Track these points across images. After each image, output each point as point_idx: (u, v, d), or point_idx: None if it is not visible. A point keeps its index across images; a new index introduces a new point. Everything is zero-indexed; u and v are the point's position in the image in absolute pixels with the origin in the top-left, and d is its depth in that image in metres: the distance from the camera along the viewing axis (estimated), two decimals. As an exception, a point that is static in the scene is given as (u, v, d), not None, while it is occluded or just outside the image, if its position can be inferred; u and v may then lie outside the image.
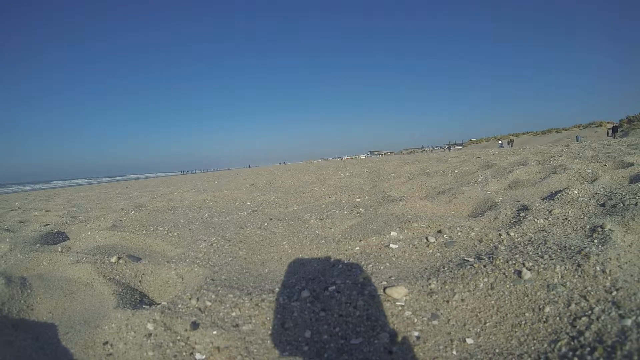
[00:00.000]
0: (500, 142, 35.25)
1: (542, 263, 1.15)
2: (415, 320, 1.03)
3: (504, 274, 1.14)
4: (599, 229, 1.42)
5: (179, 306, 1.16)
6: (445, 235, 1.60)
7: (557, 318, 0.94)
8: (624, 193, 1.88)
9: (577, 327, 0.89)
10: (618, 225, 1.43)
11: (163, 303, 1.20)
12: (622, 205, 1.70)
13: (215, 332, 1.02)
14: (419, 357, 0.90)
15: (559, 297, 1.01)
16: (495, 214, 1.89)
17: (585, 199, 1.95)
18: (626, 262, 1.11)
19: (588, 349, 0.81)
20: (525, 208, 1.89)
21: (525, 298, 1.04)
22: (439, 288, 1.13)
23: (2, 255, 1.94)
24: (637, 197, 1.74)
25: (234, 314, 1.12)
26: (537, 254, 1.24)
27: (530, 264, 1.15)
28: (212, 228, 2.34)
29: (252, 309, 1.13)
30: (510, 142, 32.51)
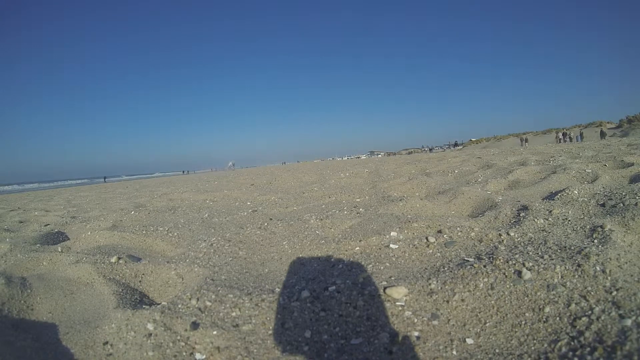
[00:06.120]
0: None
1: (542, 263, 1.15)
2: (415, 320, 1.03)
3: (504, 274, 1.14)
4: (599, 229, 1.42)
5: (179, 306, 1.16)
6: (445, 235, 1.60)
7: (557, 318, 0.94)
8: (624, 193, 1.88)
9: (577, 327, 0.89)
10: (618, 225, 1.43)
11: (163, 303, 1.20)
12: (622, 205, 1.70)
13: (215, 332, 1.02)
14: (419, 357, 0.90)
15: (559, 297, 1.01)
16: (495, 214, 1.89)
17: (585, 199, 1.95)
18: (626, 262, 1.11)
19: (588, 349, 0.81)
20: (525, 208, 1.89)
21: (525, 298, 1.04)
22: (439, 288, 1.13)
23: (2, 255, 1.94)
24: (637, 197, 1.74)
25: (234, 314, 1.12)
26: (537, 254, 1.24)
27: (530, 264, 1.15)
28: (212, 228, 2.34)
29: (252, 309, 1.13)
30: (575, 136, 26.88)
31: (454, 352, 0.90)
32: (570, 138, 26.29)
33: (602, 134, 24.75)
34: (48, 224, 3.39)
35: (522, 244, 1.40)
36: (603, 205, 1.80)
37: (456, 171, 4.27)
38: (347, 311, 1.09)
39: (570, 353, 0.81)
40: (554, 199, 2.09)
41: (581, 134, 26.31)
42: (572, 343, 0.84)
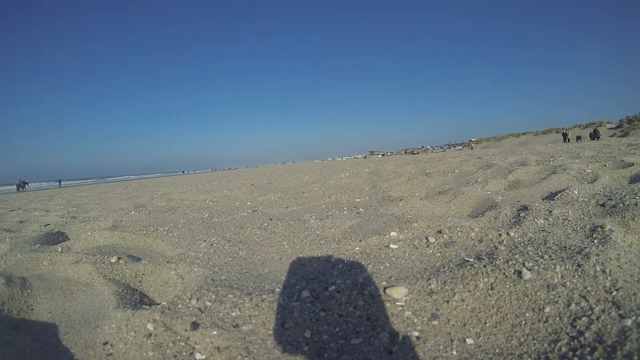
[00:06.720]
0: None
1: (542, 263, 1.15)
2: (415, 320, 1.03)
3: (504, 274, 1.14)
4: (599, 229, 1.42)
5: (179, 306, 1.16)
6: (445, 236, 1.60)
7: (557, 318, 0.94)
8: (624, 193, 1.88)
9: (577, 327, 0.89)
10: (618, 225, 1.43)
11: (163, 303, 1.20)
12: (622, 205, 1.70)
13: (215, 332, 1.02)
14: (419, 357, 0.90)
15: (559, 297, 1.01)
16: (495, 214, 1.89)
17: (585, 199, 1.95)
18: (626, 262, 1.11)
19: (588, 349, 0.81)
20: (525, 208, 1.89)
21: (525, 298, 1.04)
22: (439, 288, 1.13)
23: (2, 255, 1.94)
24: (637, 197, 1.74)
25: (234, 314, 1.12)
26: (537, 254, 1.24)
27: (530, 264, 1.15)
28: (212, 228, 2.34)
29: (252, 309, 1.13)
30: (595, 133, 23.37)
31: (454, 352, 0.90)
32: (577, 138, 25.05)
33: (593, 136, 22.89)
34: (48, 224, 3.39)
35: (522, 244, 1.40)
36: (603, 205, 1.80)
37: (456, 171, 4.27)
38: (347, 311, 1.09)
39: (570, 353, 0.81)
40: (554, 199, 2.09)
41: (593, 133, 24.51)
42: (572, 343, 0.84)
